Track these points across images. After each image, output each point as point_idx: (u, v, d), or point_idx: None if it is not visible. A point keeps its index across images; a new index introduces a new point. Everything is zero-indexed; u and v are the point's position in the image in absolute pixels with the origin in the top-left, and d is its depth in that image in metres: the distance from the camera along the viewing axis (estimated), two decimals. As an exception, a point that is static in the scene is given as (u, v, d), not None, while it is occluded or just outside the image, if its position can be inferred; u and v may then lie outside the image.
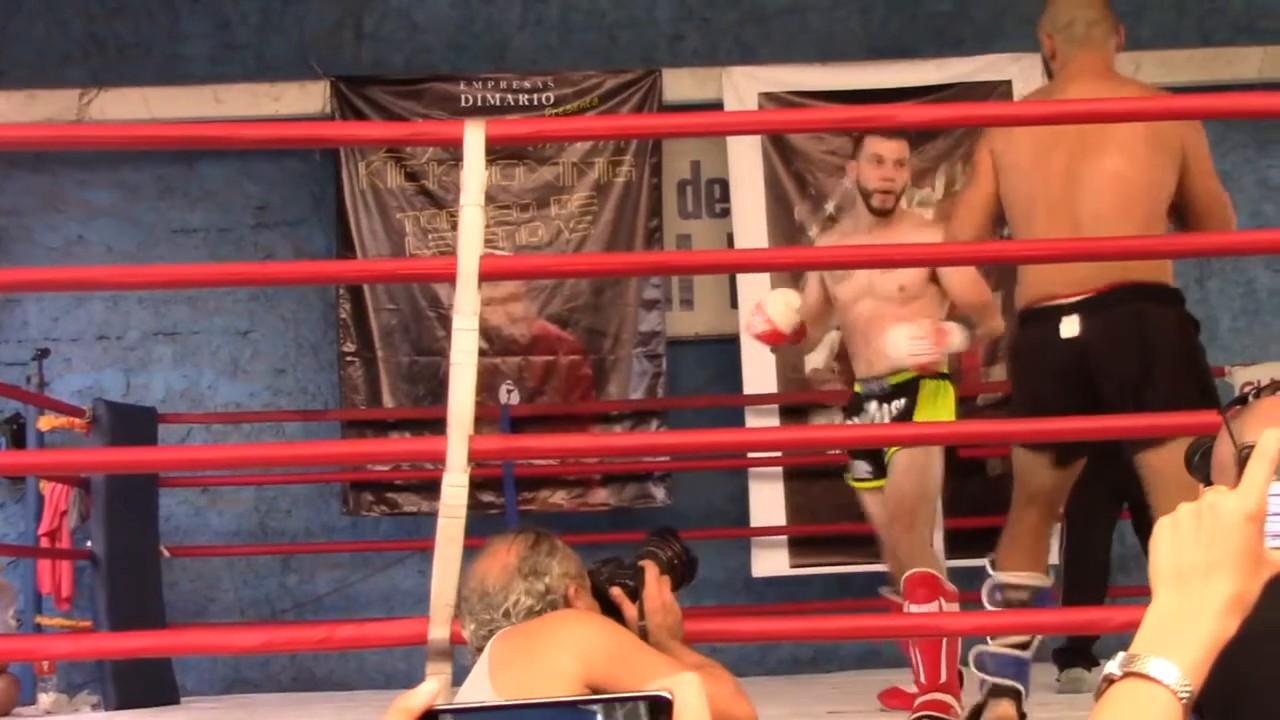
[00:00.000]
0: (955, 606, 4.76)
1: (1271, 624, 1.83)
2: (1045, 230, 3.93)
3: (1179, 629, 1.14)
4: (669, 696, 0.97)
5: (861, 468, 5.07)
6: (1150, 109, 3.92)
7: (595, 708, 0.97)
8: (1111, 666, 1.14)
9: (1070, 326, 3.87)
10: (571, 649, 2.64)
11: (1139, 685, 1.12)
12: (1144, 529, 5.47)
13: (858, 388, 5.14)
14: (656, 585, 3.01)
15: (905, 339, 4.63)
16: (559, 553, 2.90)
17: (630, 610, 2.96)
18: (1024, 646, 4.01)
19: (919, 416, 4.86)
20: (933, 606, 4.59)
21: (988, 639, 4.08)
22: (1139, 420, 3.70)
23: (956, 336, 4.75)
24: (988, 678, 4.07)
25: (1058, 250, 3.90)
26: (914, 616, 4.65)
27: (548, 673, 2.60)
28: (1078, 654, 5.87)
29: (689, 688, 0.98)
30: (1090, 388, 3.86)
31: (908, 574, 4.66)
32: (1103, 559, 5.99)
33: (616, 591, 2.98)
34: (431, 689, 0.97)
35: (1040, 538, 4.12)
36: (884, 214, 4.94)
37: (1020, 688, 4.02)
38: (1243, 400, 2.14)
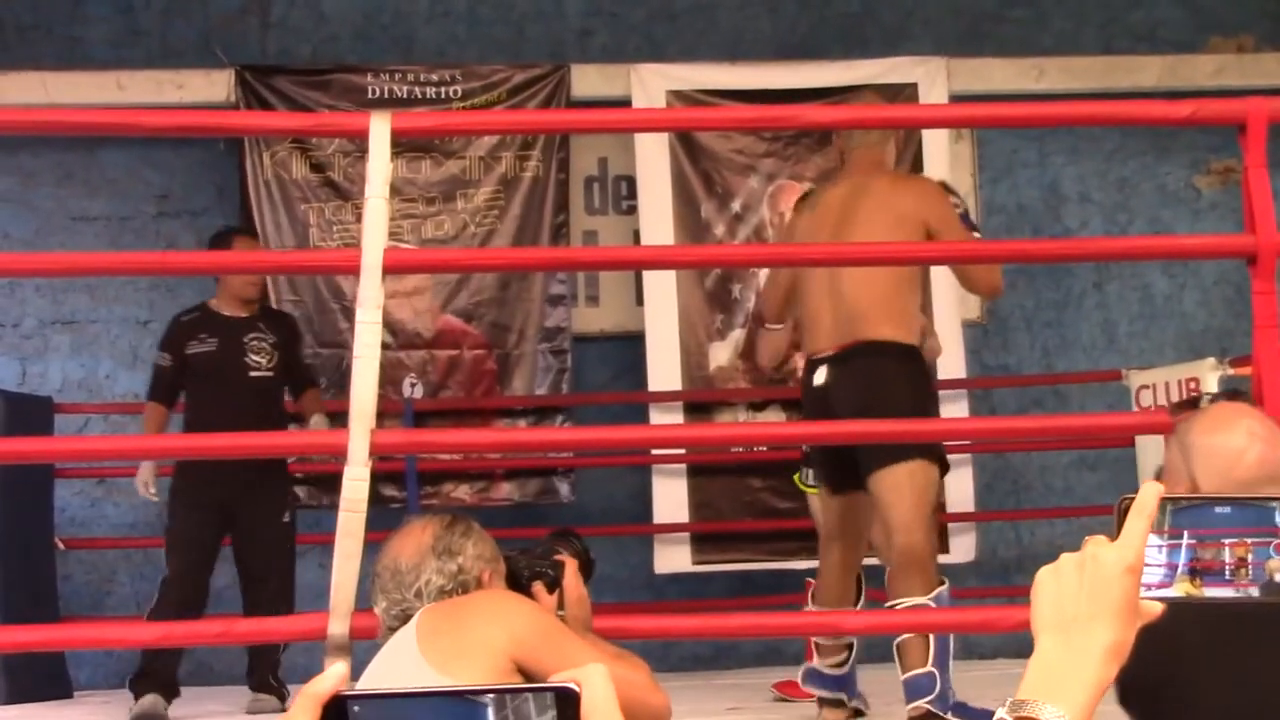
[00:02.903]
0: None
1: (1202, 611, 1.87)
2: (814, 294, 4.69)
3: (1065, 675, 1.18)
4: (575, 688, 0.93)
5: (816, 474, 5.33)
6: (1054, 114, 4.00)
7: (488, 697, 0.92)
8: (1002, 712, 1.17)
9: (820, 376, 4.62)
10: (502, 623, 2.65)
11: None
12: None
13: None
14: (575, 578, 3.05)
15: None
16: (474, 535, 2.90)
17: (549, 601, 2.97)
18: (843, 664, 4.75)
19: None
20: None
21: (815, 659, 4.78)
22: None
23: None
24: (817, 692, 4.82)
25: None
26: (809, 614, 4.83)
27: (476, 643, 2.60)
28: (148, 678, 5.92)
29: (597, 679, 0.94)
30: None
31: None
32: None
33: (538, 585, 2.99)
34: (339, 673, 0.95)
35: (847, 571, 4.78)
36: None
37: (844, 697, 4.79)
38: (1193, 403, 2.18)
